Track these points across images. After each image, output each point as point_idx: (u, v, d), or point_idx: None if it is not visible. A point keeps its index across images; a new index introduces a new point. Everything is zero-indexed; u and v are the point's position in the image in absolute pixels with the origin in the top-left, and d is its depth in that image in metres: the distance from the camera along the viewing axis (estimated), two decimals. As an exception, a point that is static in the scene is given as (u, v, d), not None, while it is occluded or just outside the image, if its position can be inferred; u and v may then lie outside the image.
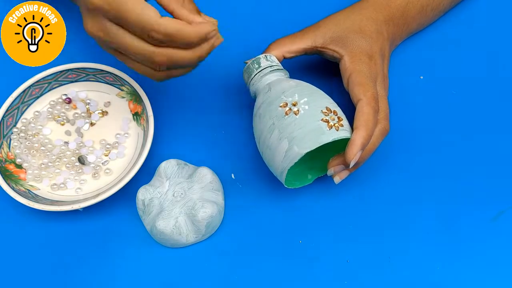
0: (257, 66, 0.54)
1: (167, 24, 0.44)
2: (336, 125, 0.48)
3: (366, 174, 0.56)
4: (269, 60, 0.54)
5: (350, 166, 0.50)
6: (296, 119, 0.48)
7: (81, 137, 0.58)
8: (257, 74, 0.53)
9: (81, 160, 0.56)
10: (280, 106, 0.49)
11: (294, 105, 0.49)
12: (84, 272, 0.53)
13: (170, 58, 0.46)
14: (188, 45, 0.46)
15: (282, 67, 0.54)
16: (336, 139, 0.48)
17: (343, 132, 0.49)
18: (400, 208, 0.55)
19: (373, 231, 0.54)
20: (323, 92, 0.52)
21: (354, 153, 0.49)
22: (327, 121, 0.48)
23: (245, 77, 0.55)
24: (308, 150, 0.47)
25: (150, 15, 0.44)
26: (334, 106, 0.50)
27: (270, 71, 0.53)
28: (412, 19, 0.59)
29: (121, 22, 0.45)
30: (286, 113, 0.49)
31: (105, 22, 0.46)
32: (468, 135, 0.58)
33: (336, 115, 0.49)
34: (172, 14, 0.47)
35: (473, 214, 0.54)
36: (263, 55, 0.54)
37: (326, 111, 0.49)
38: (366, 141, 0.49)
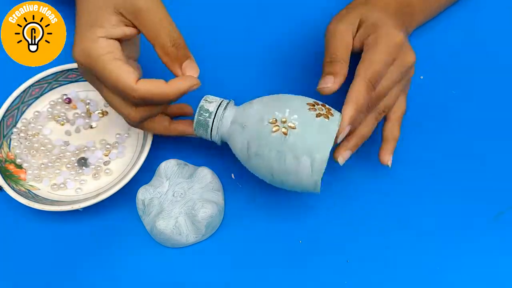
0: (207, 114, 0.49)
1: (143, 90, 0.46)
2: (326, 113, 0.47)
3: (366, 174, 0.56)
4: (211, 100, 0.50)
5: (338, 141, 0.49)
6: (298, 132, 0.46)
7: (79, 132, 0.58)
8: (214, 121, 0.49)
9: (81, 163, 0.56)
10: (273, 132, 0.46)
11: (284, 122, 0.47)
12: (84, 272, 0.53)
13: (146, 115, 0.49)
14: (166, 102, 0.49)
15: (224, 98, 0.51)
16: (339, 121, 0.47)
17: (338, 115, 0.48)
18: (400, 208, 0.55)
19: (373, 231, 0.54)
20: (291, 95, 0.50)
21: (342, 127, 0.48)
22: (320, 115, 0.47)
23: (202, 132, 0.51)
24: (330, 148, 0.46)
25: (126, 81, 0.45)
26: (314, 100, 0.49)
27: (223, 109, 0.50)
28: (418, 12, 0.59)
29: (101, 81, 0.47)
30: (285, 134, 0.46)
31: (90, 74, 0.48)
32: (468, 135, 0.58)
33: (322, 105, 0.48)
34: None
35: (473, 214, 0.54)
36: (202, 100, 0.50)
37: (311, 107, 0.48)
38: (353, 116, 0.48)
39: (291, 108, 0.47)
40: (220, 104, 0.50)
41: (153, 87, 0.46)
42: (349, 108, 0.48)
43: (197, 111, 0.50)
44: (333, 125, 0.47)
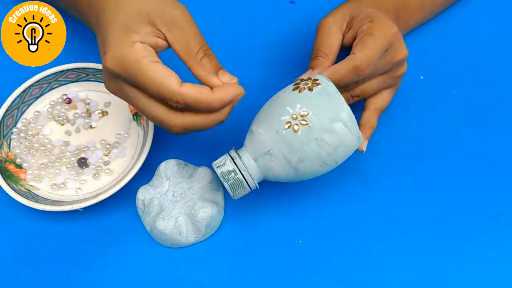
0: (232, 174, 0.48)
1: (188, 93, 0.43)
2: (312, 84, 0.47)
3: (366, 174, 0.56)
4: (220, 162, 0.48)
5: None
6: (312, 114, 0.46)
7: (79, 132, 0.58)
8: (243, 174, 0.48)
9: (81, 163, 0.56)
10: (296, 131, 0.46)
11: (296, 118, 0.46)
12: (84, 272, 0.53)
13: (188, 126, 0.45)
14: (209, 111, 0.45)
15: (226, 153, 0.49)
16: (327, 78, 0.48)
17: (322, 76, 0.48)
18: (400, 208, 0.55)
19: (373, 231, 0.54)
20: (275, 95, 0.49)
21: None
22: (311, 88, 0.47)
23: (242, 191, 0.49)
24: (344, 100, 0.46)
25: (170, 84, 0.43)
26: (295, 81, 0.49)
27: (238, 158, 0.48)
28: (412, 14, 0.59)
29: (139, 87, 0.44)
30: (305, 124, 0.46)
31: (121, 83, 0.45)
32: (468, 135, 0.58)
33: (305, 80, 0.48)
34: (191, 71, 0.46)
35: (473, 214, 0.54)
36: (215, 170, 0.48)
37: (296, 87, 0.47)
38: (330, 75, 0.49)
39: (287, 102, 0.47)
40: (231, 157, 0.48)
41: (198, 91, 0.44)
42: (327, 72, 0.49)
43: (222, 181, 0.48)
44: (329, 87, 0.47)
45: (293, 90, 0.48)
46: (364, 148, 0.52)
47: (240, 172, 0.48)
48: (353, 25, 0.52)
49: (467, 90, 0.60)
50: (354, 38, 0.51)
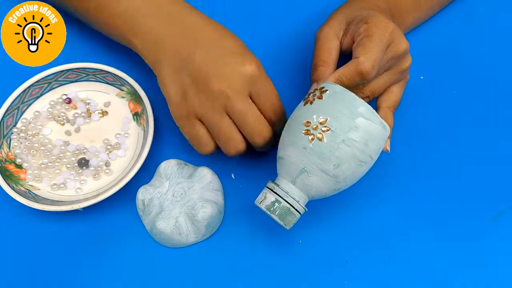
0: (276, 205, 0.47)
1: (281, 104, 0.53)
2: (320, 93, 0.47)
3: (366, 174, 0.56)
4: (263, 196, 0.48)
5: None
6: (332, 120, 0.45)
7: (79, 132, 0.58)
8: (288, 200, 0.47)
9: (81, 163, 0.56)
10: (321, 139, 0.45)
11: (316, 128, 0.46)
12: (84, 272, 0.53)
13: (268, 136, 0.51)
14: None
15: (266, 187, 0.49)
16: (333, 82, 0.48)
17: (326, 83, 0.49)
18: (400, 208, 0.55)
19: (373, 231, 0.54)
20: (290, 116, 0.50)
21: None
22: (320, 97, 0.47)
23: (292, 219, 0.48)
24: (358, 97, 0.46)
25: (278, 95, 0.52)
26: (306, 95, 0.49)
27: (277, 186, 0.48)
28: (406, 13, 0.59)
29: (259, 94, 0.50)
30: (327, 130, 0.45)
31: (244, 88, 0.50)
32: (468, 135, 0.58)
33: (313, 91, 0.48)
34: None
35: (472, 214, 0.54)
36: (260, 205, 0.48)
37: (307, 100, 0.48)
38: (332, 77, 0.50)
39: (303, 117, 0.47)
40: (269, 188, 0.48)
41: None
42: (331, 79, 0.49)
43: (269, 215, 0.47)
44: (336, 88, 0.47)
45: (304, 105, 0.48)
46: (388, 148, 0.52)
47: (283, 199, 0.47)
48: (350, 30, 0.52)
49: (467, 90, 0.60)
50: (353, 42, 0.52)
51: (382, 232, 0.54)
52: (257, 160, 0.56)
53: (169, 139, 0.59)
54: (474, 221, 0.54)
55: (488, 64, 0.62)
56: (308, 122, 0.46)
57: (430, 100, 0.60)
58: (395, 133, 0.56)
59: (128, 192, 0.54)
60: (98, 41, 0.62)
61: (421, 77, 0.61)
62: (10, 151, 0.57)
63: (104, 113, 0.59)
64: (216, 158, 0.57)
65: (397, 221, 0.54)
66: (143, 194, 0.53)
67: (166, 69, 0.51)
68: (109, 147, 0.57)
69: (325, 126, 0.45)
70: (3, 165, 0.56)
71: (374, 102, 0.54)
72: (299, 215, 0.48)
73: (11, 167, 0.56)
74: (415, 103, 0.59)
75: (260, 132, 0.50)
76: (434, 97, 0.60)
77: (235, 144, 0.51)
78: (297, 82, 0.60)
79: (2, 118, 0.57)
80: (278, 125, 0.52)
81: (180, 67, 0.50)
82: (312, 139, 0.46)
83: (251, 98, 0.50)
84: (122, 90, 0.59)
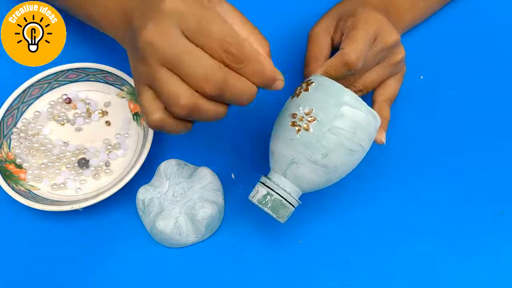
0: (268, 198, 0.47)
1: (250, 47, 0.41)
2: (307, 85, 0.47)
3: (366, 174, 0.56)
4: (255, 190, 0.48)
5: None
6: (319, 111, 0.45)
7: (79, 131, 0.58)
8: (279, 193, 0.47)
9: (82, 163, 0.56)
10: (306, 129, 0.45)
11: (302, 119, 0.46)
12: (84, 272, 0.53)
13: (229, 85, 0.40)
14: (255, 76, 0.41)
15: (272, 172, 0.49)
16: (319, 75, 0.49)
17: (314, 76, 0.49)
18: (400, 207, 0.55)
19: (373, 231, 0.54)
20: (281, 110, 0.49)
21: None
22: (306, 88, 0.47)
23: (285, 211, 0.47)
24: (342, 86, 0.46)
25: (236, 33, 0.40)
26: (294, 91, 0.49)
27: (268, 180, 0.48)
28: (404, 11, 0.59)
29: (197, 31, 0.40)
30: (313, 120, 0.45)
31: (172, 28, 0.40)
32: (468, 135, 0.58)
33: (300, 85, 0.48)
34: None
35: (474, 213, 0.54)
36: (253, 200, 0.47)
37: (295, 94, 0.48)
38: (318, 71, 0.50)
39: (290, 110, 0.47)
40: (261, 183, 0.48)
41: (258, 52, 0.42)
42: (318, 71, 0.50)
43: (262, 209, 0.47)
44: (323, 80, 0.47)
45: (291, 98, 0.48)
46: (384, 140, 0.51)
47: (275, 191, 0.47)
48: (340, 26, 0.53)
49: (467, 90, 0.60)
50: (341, 36, 0.52)
51: (382, 232, 0.54)
52: (257, 160, 0.56)
53: (169, 139, 0.59)
54: (475, 220, 0.54)
55: (488, 64, 0.62)
56: (294, 114, 0.46)
57: (430, 100, 0.60)
58: (395, 133, 0.56)
59: (128, 192, 0.54)
60: (98, 41, 0.62)
61: (421, 77, 0.61)
62: (10, 151, 0.57)
63: (104, 113, 0.59)
64: (216, 158, 0.57)
65: (397, 221, 0.54)
66: (143, 194, 0.53)
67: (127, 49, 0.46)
68: (109, 147, 0.57)
69: (310, 117, 0.46)
70: (3, 165, 0.56)
71: (371, 96, 0.54)
72: (292, 208, 0.48)
73: (11, 167, 0.56)
74: (415, 103, 0.59)
75: (206, 76, 0.39)
76: (434, 97, 0.60)
77: (176, 100, 0.40)
78: (295, 81, 0.60)
79: (2, 118, 0.57)
80: (242, 66, 0.41)
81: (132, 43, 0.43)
82: (299, 130, 0.46)
83: (189, 39, 0.40)
84: (122, 90, 0.59)
